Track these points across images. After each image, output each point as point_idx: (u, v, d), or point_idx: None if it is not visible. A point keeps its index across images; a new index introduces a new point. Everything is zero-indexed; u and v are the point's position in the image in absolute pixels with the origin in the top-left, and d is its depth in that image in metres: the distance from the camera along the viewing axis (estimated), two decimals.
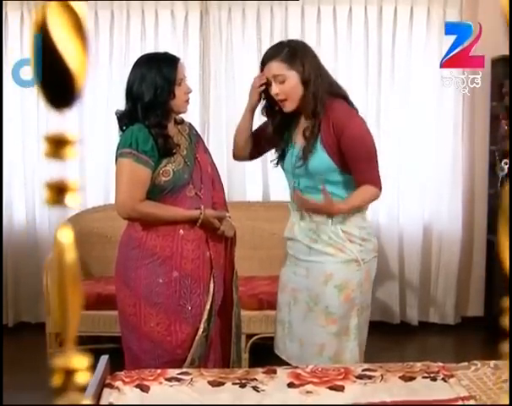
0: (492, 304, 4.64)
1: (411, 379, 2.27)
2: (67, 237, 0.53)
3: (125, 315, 2.62)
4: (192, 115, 3.50)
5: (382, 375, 2.29)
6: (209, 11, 4.56)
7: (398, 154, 4.62)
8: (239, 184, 4.64)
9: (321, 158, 2.52)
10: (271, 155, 2.77)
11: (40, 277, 3.96)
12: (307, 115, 2.55)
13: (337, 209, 2.49)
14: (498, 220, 0.62)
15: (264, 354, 2.97)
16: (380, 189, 2.58)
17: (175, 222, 2.55)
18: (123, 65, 4.34)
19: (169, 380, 2.26)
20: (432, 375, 2.29)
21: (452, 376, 2.28)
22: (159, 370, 2.33)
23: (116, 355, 2.58)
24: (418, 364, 2.38)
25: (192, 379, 2.27)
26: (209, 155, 2.80)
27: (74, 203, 0.52)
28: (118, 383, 2.21)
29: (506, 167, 4.48)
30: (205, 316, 2.60)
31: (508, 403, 0.79)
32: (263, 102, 2.66)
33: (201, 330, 2.59)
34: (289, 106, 2.55)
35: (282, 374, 2.32)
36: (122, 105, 2.58)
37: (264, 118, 2.73)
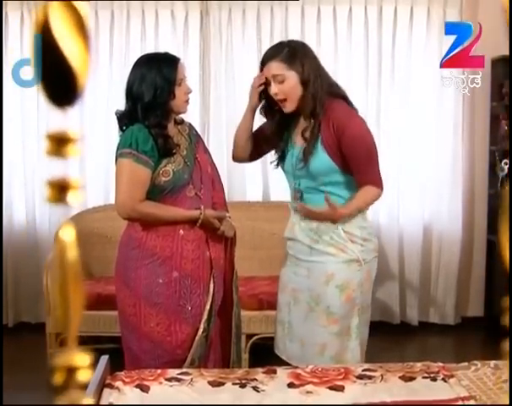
0: (492, 305, 4.64)
1: (411, 379, 2.27)
2: (69, 235, 0.53)
3: (125, 316, 2.61)
4: (192, 115, 3.50)
5: (382, 376, 2.29)
6: (209, 11, 4.56)
7: (398, 154, 4.62)
8: (239, 184, 4.64)
9: (322, 159, 2.51)
10: (271, 155, 2.77)
11: (40, 277, 3.96)
12: (306, 115, 2.55)
13: (339, 215, 2.48)
14: (499, 220, 0.62)
15: (264, 355, 2.97)
16: (382, 188, 2.58)
17: (175, 222, 2.55)
18: (123, 65, 4.34)
19: (169, 380, 2.26)
20: (432, 375, 2.29)
21: (452, 376, 2.28)
22: (159, 371, 2.33)
23: (116, 355, 2.58)
24: (418, 365, 2.38)
25: (192, 379, 2.27)
26: (209, 155, 2.79)
27: (76, 201, 0.52)
28: (118, 383, 2.21)
29: (506, 167, 4.49)
30: (205, 316, 2.60)
31: (508, 403, 0.80)
32: (263, 102, 2.66)
33: (201, 330, 2.59)
34: (289, 107, 2.55)
35: (282, 374, 2.32)
36: (122, 105, 2.58)
37: (264, 119, 2.73)
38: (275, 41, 2.88)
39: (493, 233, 4.53)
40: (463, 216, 4.69)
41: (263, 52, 2.69)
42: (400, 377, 2.28)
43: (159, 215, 2.54)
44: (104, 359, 2.31)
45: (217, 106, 4.60)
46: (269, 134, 2.66)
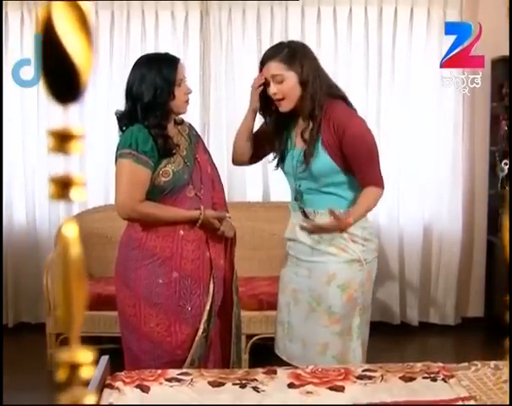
0: (492, 305, 4.64)
1: (412, 379, 2.27)
2: (72, 231, 0.53)
3: (125, 316, 2.61)
4: (192, 116, 3.50)
5: (382, 376, 2.29)
6: (209, 12, 4.56)
7: (398, 154, 4.62)
8: (239, 185, 4.64)
9: (323, 160, 2.51)
10: (271, 156, 2.76)
11: (41, 277, 3.96)
12: (305, 116, 2.54)
13: (345, 225, 2.44)
14: (499, 220, 0.62)
15: (265, 355, 2.97)
16: (383, 188, 2.57)
17: (175, 222, 2.55)
18: (123, 66, 4.34)
19: (169, 380, 2.26)
20: (432, 375, 2.29)
21: (452, 377, 2.28)
22: (159, 371, 2.33)
23: (116, 356, 2.58)
24: (418, 365, 2.38)
25: (192, 379, 2.27)
26: (209, 155, 2.79)
27: (80, 198, 0.52)
28: (118, 383, 2.21)
29: (506, 167, 4.49)
30: (205, 317, 2.60)
31: (508, 403, 0.80)
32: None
33: (201, 330, 2.59)
34: (285, 106, 2.54)
35: (282, 374, 2.31)
36: (122, 105, 2.58)
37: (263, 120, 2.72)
38: (275, 42, 2.87)
39: (493, 234, 4.53)
40: (463, 217, 4.69)
41: (263, 53, 2.69)
42: (400, 377, 2.28)
43: (159, 215, 2.54)
44: (104, 359, 2.31)
45: (217, 107, 4.60)
46: (268, 135, 2.65)
